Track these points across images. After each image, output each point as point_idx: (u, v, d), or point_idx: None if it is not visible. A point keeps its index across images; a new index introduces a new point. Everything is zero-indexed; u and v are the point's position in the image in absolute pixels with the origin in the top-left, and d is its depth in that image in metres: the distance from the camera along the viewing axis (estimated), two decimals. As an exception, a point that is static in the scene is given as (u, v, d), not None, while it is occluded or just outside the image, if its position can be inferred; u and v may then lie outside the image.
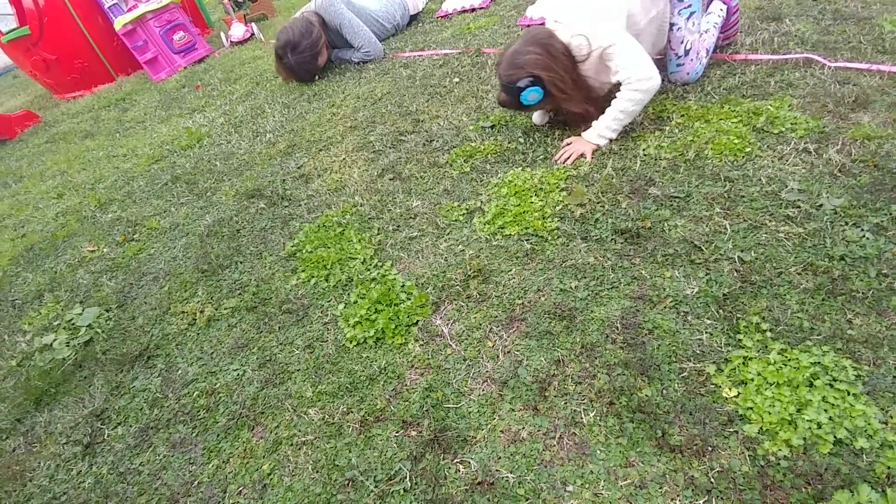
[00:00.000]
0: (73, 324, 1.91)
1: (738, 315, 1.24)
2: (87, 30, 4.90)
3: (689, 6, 1.97)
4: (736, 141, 1.72)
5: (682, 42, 2.02)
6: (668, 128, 1.90)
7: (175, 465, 1.33)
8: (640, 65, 1.77)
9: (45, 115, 4.98)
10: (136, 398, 1.54)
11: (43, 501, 1.36)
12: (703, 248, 1.42)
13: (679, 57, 2.05)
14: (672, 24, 2.00)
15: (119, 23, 4.50)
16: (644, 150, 1.83)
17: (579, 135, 1.96)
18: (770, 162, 1.63)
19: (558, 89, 1.86)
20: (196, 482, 1.27)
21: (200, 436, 1.38)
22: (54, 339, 1.87)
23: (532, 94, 1.86)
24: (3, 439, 1.59)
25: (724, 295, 1.29)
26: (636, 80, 1.77)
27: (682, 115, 1.93)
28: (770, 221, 1.44)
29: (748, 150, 1.69)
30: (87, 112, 4.56)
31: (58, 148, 3.96)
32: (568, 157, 1.91)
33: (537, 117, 2.16)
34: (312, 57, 3.30)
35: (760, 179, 1.58)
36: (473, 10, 3.79)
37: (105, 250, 2.31)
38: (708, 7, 2.17)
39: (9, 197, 3.35)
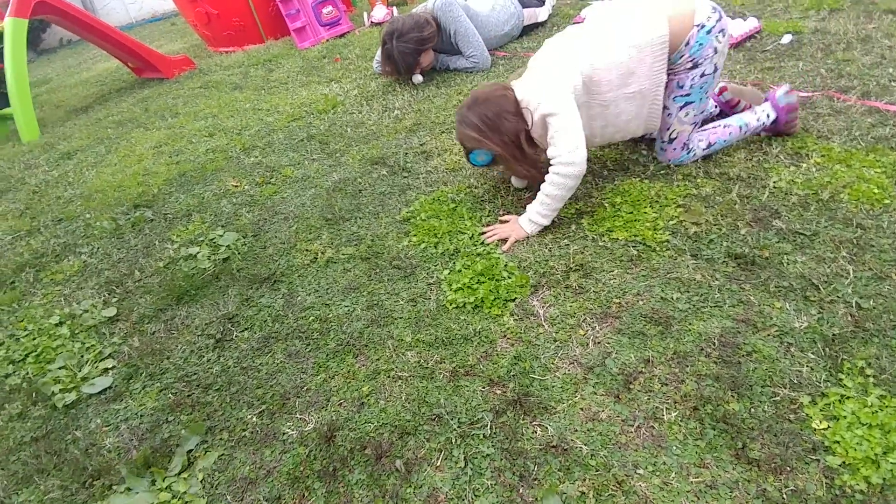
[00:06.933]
0: (214, 242, 2.21)
1: (844, 356, 1.23)
2: (249, -9, 5.43)
3: (688, 95, 1.82)
4: (876, 190, 1.66)
5: (668, 129, 1.92)
6: (805, 165, 1.86)
7: (289, 371, 1.54)
8: (570, 145, 1.69)
9: (200, 64, 5.58)
10: (262, 312, 1.78)
11: (176, 376, 1.62)
12: (820, 287, 1.40)
13: (664, 142, 1.97)
14: (665, 108, 1.88)
15: (279, -10, 4.97)
16: (775, 182, 1.80)
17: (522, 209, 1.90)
18: (910, 217, 1.56)
19: (502, 156, 1.83)
20: (305, 388, 1.47)
21: (312, 352, 1.58)
22: (198, 252, 2.18)
23: (481, 157, 1.87)
24: (145, 323, 1.89)
25: (833, 335, 1.28)
26: (559, 162, 1.71)
27: (823, 156, 1.87)
28: (898, 275, 1.39)
29: (887, 202, 1.63)
30: (238, 67, 5.07)
31: (210, 94, 4.46)
32: (493, 236, 1.86)
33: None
34: (415, 51, 3.25)
35: (895, 233, 1.52)
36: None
37: (246, 187, 2.63)
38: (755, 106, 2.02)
39: (166, 128, 3.85)
